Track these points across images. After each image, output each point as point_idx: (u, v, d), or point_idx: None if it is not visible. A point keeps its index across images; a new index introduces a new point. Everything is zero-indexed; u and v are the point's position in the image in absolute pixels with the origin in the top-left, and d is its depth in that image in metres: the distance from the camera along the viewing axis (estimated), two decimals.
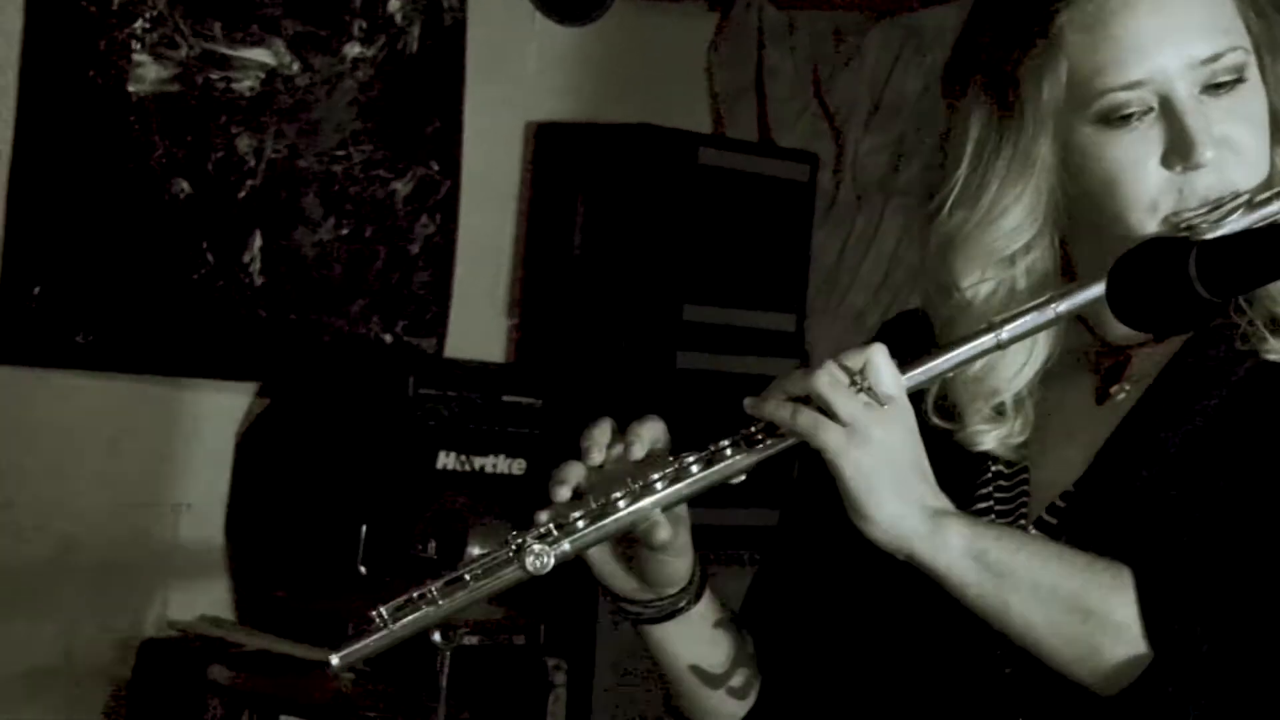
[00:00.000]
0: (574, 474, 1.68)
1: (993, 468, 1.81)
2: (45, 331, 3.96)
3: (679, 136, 4.57)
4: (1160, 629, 1.61)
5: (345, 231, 4.37)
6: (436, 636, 3.29)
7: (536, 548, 1.62)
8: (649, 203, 4.52)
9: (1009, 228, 1.73)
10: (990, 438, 1.78)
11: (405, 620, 1.63)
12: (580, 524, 1.64)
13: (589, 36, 4.50)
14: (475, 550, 3.81)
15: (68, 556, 4.01)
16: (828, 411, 1.61)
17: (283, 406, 4.29)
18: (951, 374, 1.75)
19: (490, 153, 4.61)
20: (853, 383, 1.62)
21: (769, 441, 1.64)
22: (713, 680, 1.85)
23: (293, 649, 3.73)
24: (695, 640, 1.83)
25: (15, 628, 3.99)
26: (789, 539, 1.92)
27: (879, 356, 1.64)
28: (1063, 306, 1.66)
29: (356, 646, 1.64)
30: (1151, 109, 1.65)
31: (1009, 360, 1.75)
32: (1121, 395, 1.78)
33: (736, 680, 1.86)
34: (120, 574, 4.11)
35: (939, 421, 1.77)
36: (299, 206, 4.28)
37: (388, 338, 4.47)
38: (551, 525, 1.64)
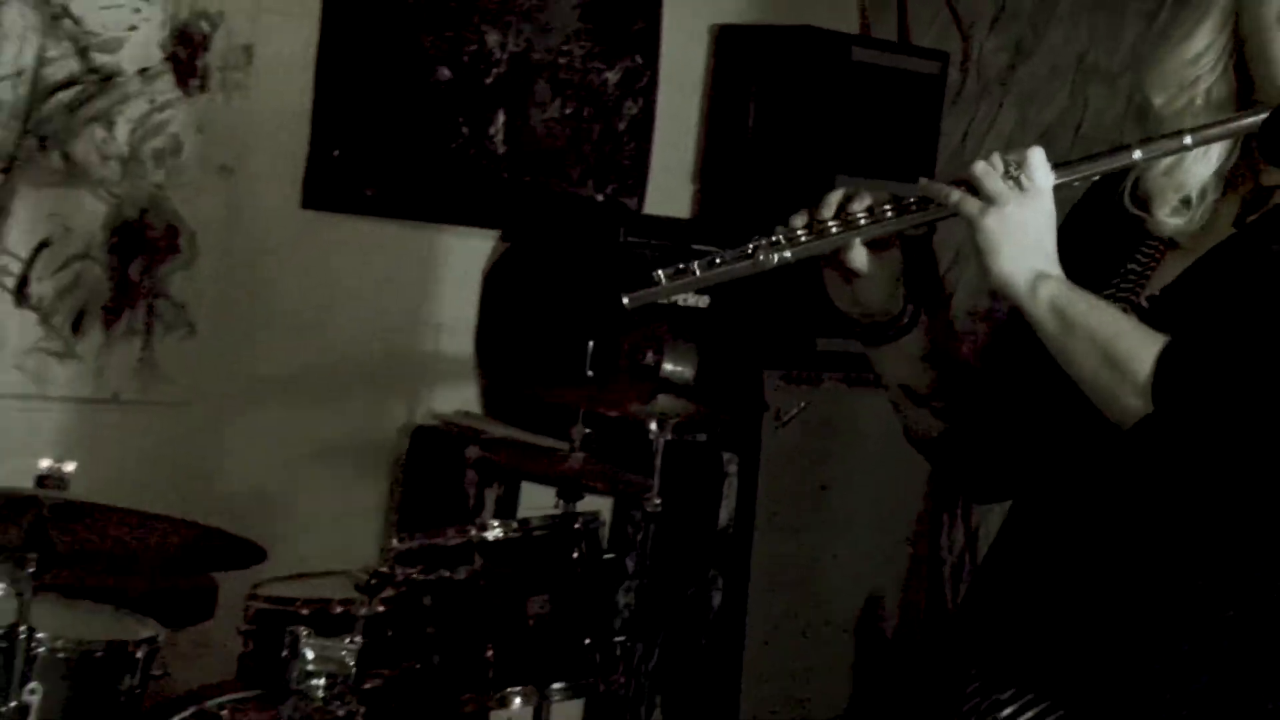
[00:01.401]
0: (804, 215, 1.89)
1: (1138, 256, 1.93)
2: (342, 185, 4.31)
3: (834, 37, 4.74)
4: (1163, 387, 1.75)
5: (568, 112, 4.67)
6: (654, 425, 3.69)
7: (768, 249, 1.87)
8: (808, 91, 4.70)
9: (1191, 54, 1.86)
10: (1172, 225, 1.91)
11: (675, 283, 1.89)
12: (801, 237, 1.87)
13: None
14: (669, 366, 4.11)
15: (352, 363, 4.42)
16: (977, 189, 1.80)
17: (519, 249, 4.59)
18: (1096, 176, 1.89)
19: (681, 49, 4.86)
20: (1006, 172, 1.80)
21: (948, 205, 1.83)
22: (917, 399, 2.04)
23: (530, 438, 4.07)
24: (903, 365, 2.02)
25: (321, 417, 4.40)
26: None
27: (1036, 155, 1.82)
28: (1190, 139, 1.83)
29: (642, 294, 1.90)
30: None
31: (1190, 161, 1.88)
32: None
33: (938, 403, 2.04)
34: (395, 378, 4.52)
35: (1134, 210, 1.92)
36: (532, 91, 4.59)
37: (600, 197, 4.71)
38: (781, 236, 1.87)
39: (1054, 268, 1.82)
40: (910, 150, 4.82)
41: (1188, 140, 1.83)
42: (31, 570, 2.77)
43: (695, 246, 4.29)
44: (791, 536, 4.68)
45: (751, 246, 1.87)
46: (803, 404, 4.61)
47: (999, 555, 2.03)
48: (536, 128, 4.66)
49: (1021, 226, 1.80)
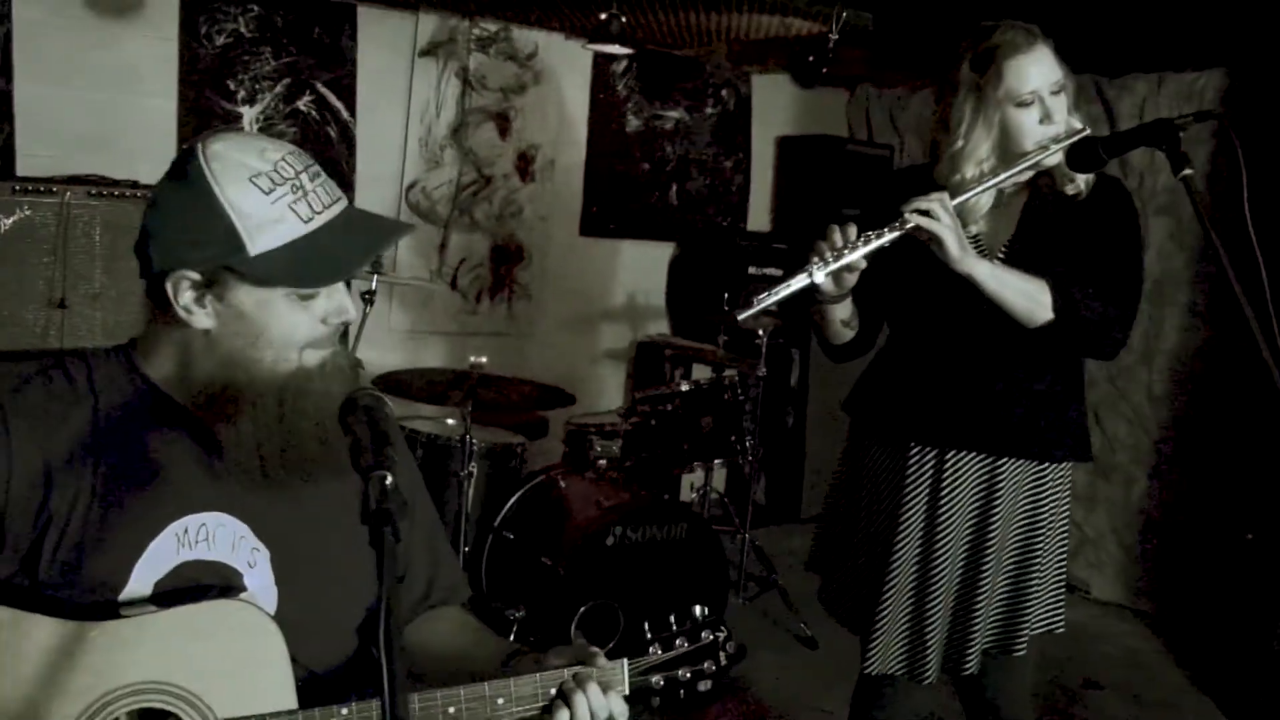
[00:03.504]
0: (828, 241, 1.58)
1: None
2: (599, 223, 4.19)
3: (837, 140, 4.51)
4: (1059, 306, 1.64)
5: (706, 182, 4.48)
6: (760, 332, 3.28)
7: (816, 267, 1.56)
8: (826, 167, 4.44)
9: (983, 151, 1.66)
10: (973, 230, 1.72)
11: (762, 304, 1.53)
12: (830, 259, 1.56)
13: (801, 94, 4.47)
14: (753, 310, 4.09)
15: (607, 312, 4.15)
16: (938, 216, 1.57)
17: (685, 251, 4.36)
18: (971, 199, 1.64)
19: (763, 149, 4.62)
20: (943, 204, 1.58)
21: (910, 226, 1.57)
22: (848, 324, 1.78)
23: (696, 343, 3.92)
24: (844, 309, 1.76)
25: (593, 338, 4.19)
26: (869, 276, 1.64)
27: (947, 196, 1.60)
28: (1001, 178, 1.63)
29: (747, 313, 1.54)
30: (1036, 101, 1.64)
31: (979, 200, 1.69)
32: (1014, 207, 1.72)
33: (853, 323, 1.79)
34: (627, 318, 4.25)
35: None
36: (689, 174, 4.43)
37: (724, 223, 4.54)
38: (825, 258, 1.56)
39: (973, 252, 1.61)
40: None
41: (999, 178, 1.61)
42: (469, 410, 2.82)
43: (774, 245, 4.28)
44: (831, 390, 4.36)
45: (809, 269, 1.54)
46: None
47: (905, 371, 1.77)
48: (692, 191, 4.48)
49: (960, 232, 1.59)
